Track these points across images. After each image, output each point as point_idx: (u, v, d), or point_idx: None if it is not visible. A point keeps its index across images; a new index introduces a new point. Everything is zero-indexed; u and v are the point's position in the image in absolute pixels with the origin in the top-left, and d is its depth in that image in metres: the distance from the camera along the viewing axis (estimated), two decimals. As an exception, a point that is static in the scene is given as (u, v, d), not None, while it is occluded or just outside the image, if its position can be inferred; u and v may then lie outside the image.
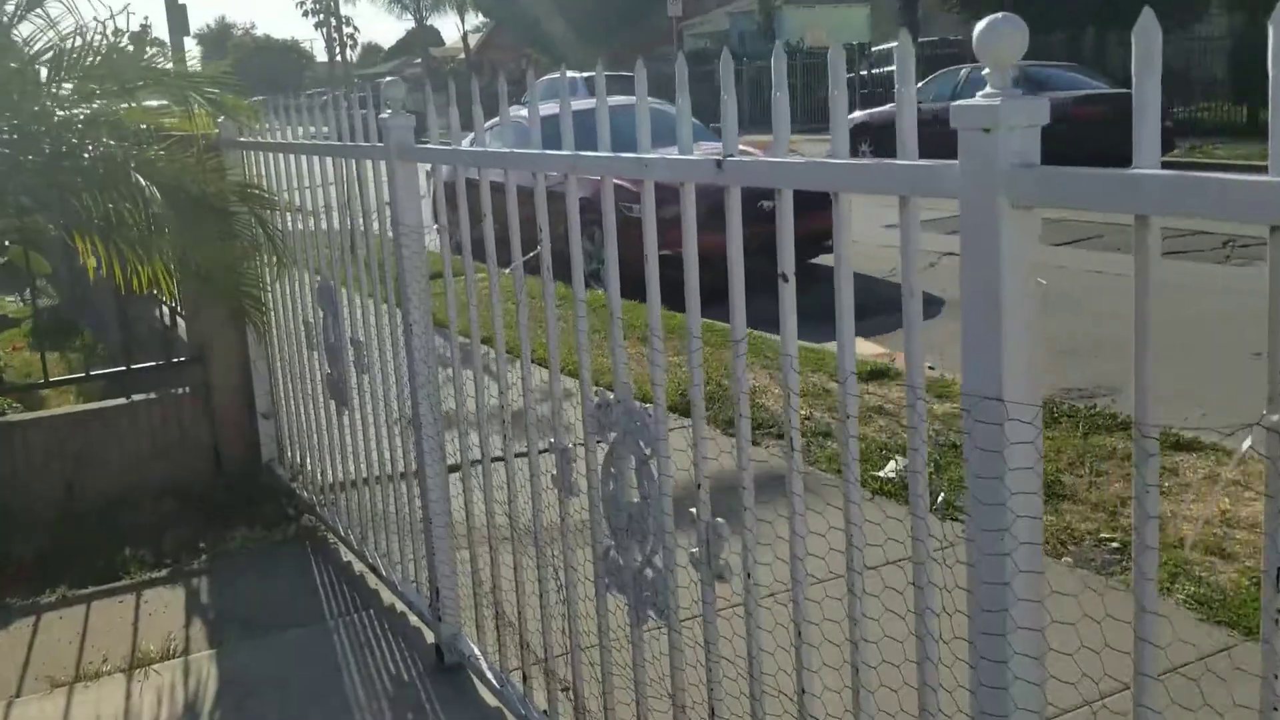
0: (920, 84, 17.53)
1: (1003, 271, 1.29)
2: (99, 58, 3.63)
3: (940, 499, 3.94)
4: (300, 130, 3.74)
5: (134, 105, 3.92)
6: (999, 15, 1.20)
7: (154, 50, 4.16)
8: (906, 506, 1.59)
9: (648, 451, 2.01)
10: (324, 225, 3.48)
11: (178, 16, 17.86)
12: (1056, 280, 8.27)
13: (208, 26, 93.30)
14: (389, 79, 2.95)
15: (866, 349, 6.95)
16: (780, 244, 1.74)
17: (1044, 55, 22.01)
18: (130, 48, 3.69)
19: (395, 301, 2.92)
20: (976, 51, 1.24)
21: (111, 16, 3.58)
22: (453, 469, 2.93)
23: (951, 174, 1.34)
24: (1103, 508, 3.90)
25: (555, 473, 2.34)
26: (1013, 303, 1.31)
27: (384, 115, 2.85)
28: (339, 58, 59.25)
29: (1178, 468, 4.11)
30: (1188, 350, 6.23)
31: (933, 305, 8.56)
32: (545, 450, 2.49)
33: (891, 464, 4.18)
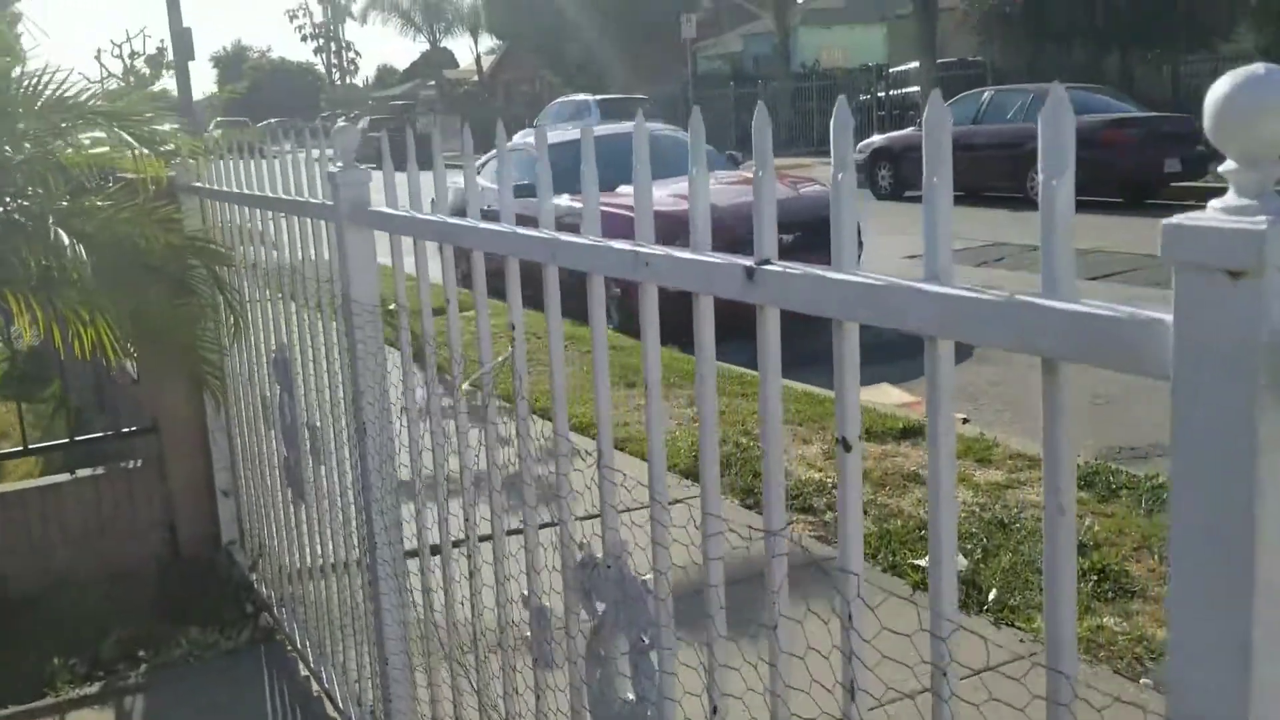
0: (941, 107, 17.08)
1: (1260, 525, 0.71)
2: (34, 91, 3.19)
3: (991, 597, 3.43)
4: (263, 173, 3.26)
5: (77, 146, 3.47)
6: (1256, 72, 0.71)
7: (147, 73, 3.71)
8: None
9: (645, 639, 1.49)
10: (280, 288, 3.01)
11: (182, 41, 17.56)
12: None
13: (224, 49, 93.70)
14: (341, 124, 2.46)
15: (894, 396, 6.44)
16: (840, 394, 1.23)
17: (1067, 76, 21.51)
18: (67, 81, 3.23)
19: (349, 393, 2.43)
20: (1211, 131, 0.74)
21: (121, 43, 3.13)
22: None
23: (1155, 338, 0.82)
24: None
25: (530, 634, 1.83)
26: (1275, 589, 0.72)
27: (334, 169, 2.37)
28: (339, 81, 59.20)
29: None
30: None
31: (960, 347, 7.98)
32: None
33: (934, 553, 3.68)
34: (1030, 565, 3.59)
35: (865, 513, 4.16)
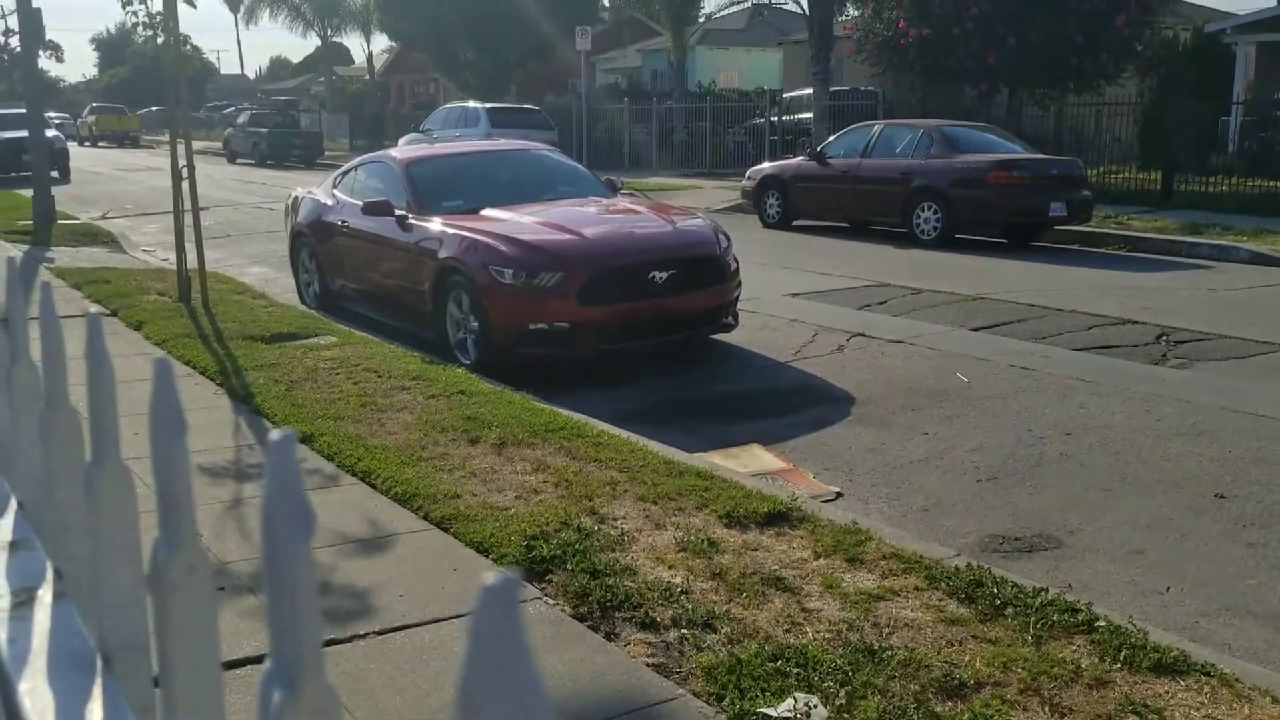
0: (832, 138, 16.83)
1: None
2: None
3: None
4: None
5: None
6: None
7: None
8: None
9: None
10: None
11: (31, 22, 16.19)
12: (980, 376, 7.35)
13: (107, 32, 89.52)
14: None
15: (765, 461, 5.88)
16: None
17: (958, 113, 21.58)
18: None
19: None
20: None
21: None
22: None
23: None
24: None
25: None
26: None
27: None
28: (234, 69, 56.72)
29: (1165, 710, 3.08)
30: (1140, 487, 5.30)
31: (838, 404, 7.59)
32: None
33: (790, 702, 3.04)
34: (906, 712, 3.02)
35: (713, 630, 3.56)
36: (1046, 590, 3.77)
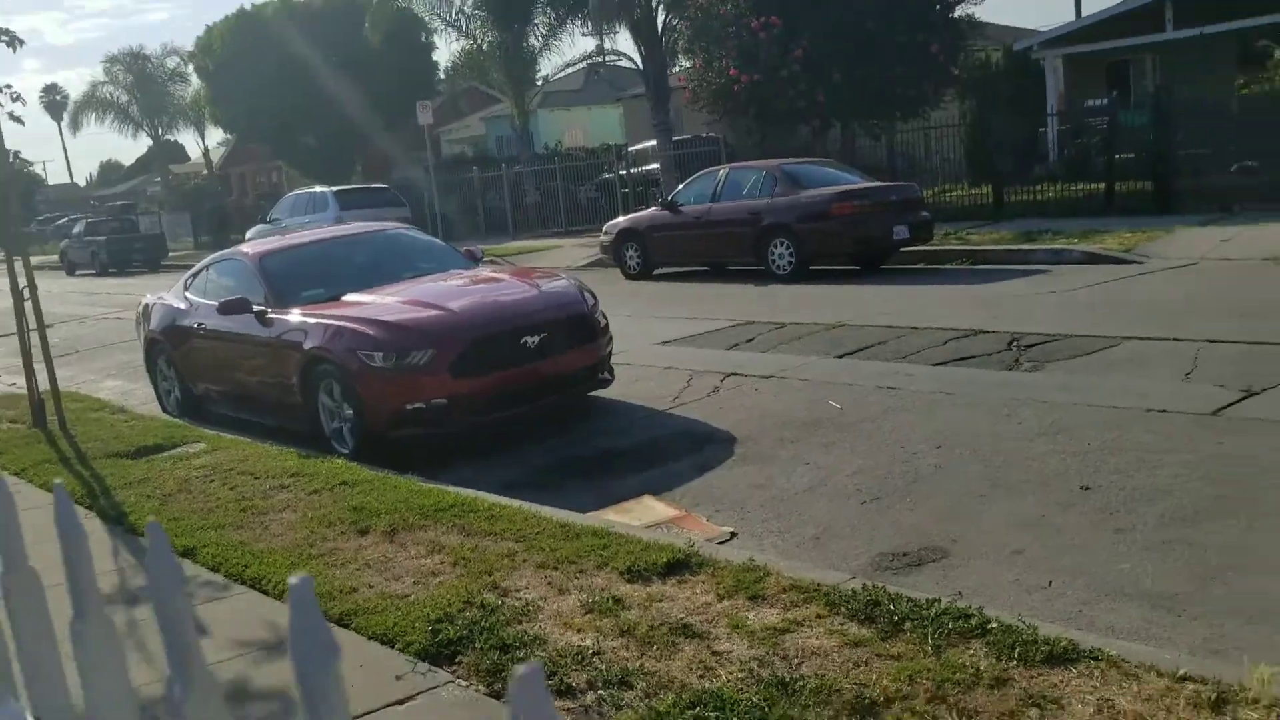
0: (681, 186, 17.23)
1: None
2: None
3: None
4: None
5: None
6: None
7: None
8: None
9: None
10: None
11: None
12: (850, 402, 7.61)
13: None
14: None
15: (658, 511, 5.96)
16: None
17: (796, 150, 22.37)
18: None
19: None
20: None
21: None
22: None
23: None
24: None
25: None
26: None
27: None
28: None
29: (1062, 699, 3.25)
30: (1011, 489, 5.57)
31: (721, 445, 7.73)
32: None
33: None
34: (820, 739, 3.11)
35: (630, 687, 3.60)
36: (939, 600, 3.94)
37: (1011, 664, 3.45)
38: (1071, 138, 21.25)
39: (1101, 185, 18.09)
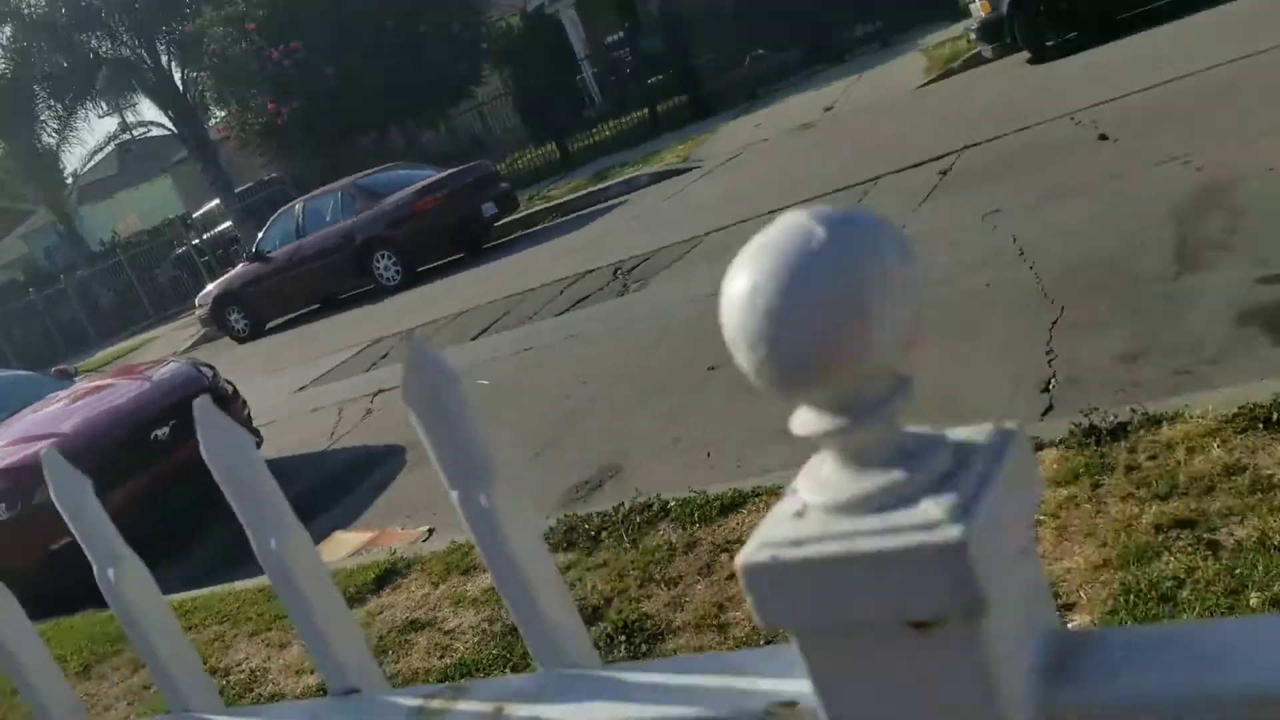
0: (261, 234, 16.71)
1: None
2: None
3: None
4: None
5: None
6: (805, 243, 0.42)
7: None
8: None
9: None
10: None
11: None
12: (495, 375, 7.92)
13: None
14: None
15: (350, 543, 5.99)
16: None
17: (361, 163, 22.25)
18: None
19: None
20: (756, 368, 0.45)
21: None
22: None
23: None
24: (710, 621, 3.38)
25: None
26: None
27: None
28: None
29: (742, 537, 3.74)
30: (655, 392, 6.11)
31: (392, 458, 7.82)
32: None
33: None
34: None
35: None
36: (623, 504, 4.34)
37: (695, 527, 3.90)
38: (606, 77, 22.65)
39: (645, 111, 19.48)
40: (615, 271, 9.58)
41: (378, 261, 14.70)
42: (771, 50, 18.76)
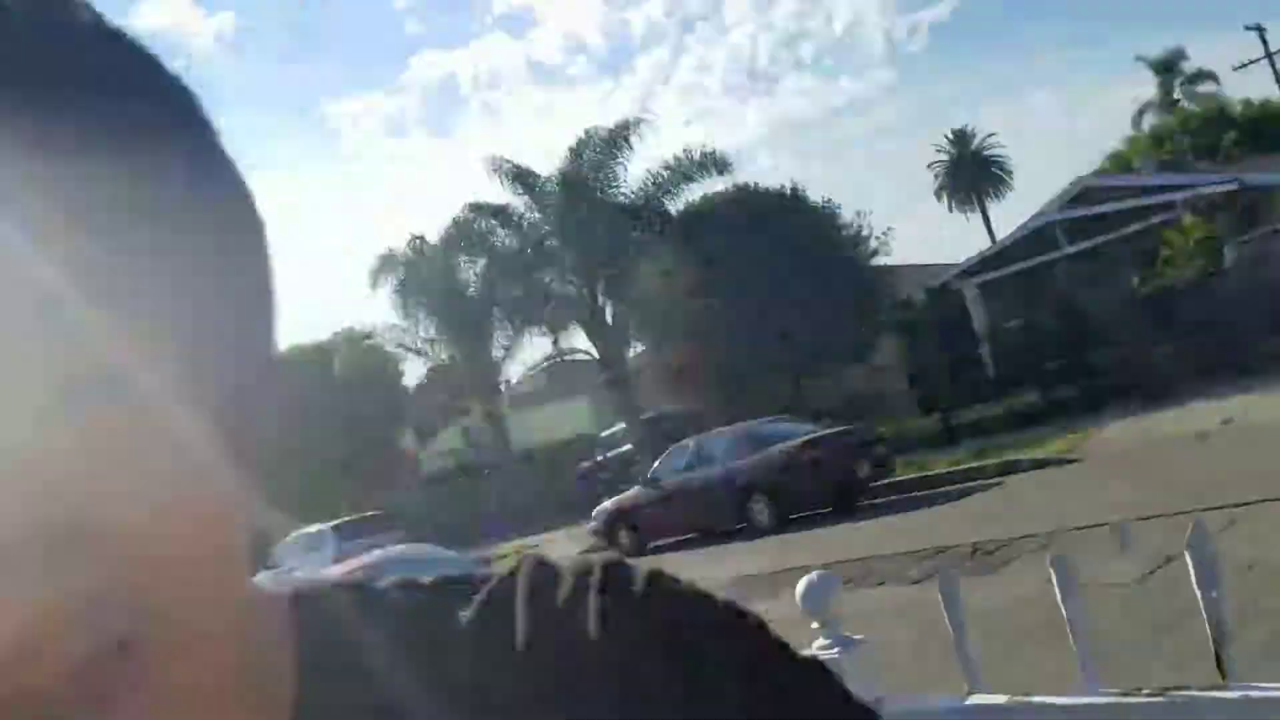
0: (657, 462, 18.50)
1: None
2: None
3: None
4: None
5: None
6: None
7: None
8: None
9: None
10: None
11: None
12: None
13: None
14: None
15: None
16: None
17: (753, 409, 23.97)
18: None
19: None
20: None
21: None
22: None
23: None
24: None
25: None
26: None
27: None
28: None
29: None
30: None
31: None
32: None
33: None
34: None
35: None
36: None
37: None
38: (1001, 357, 23.10)
39: (1037, 397, 19.68)
40: (975, 551, 9.98)
41: (753, 504, 15.83)
42: (1178, 351, 18.47)
